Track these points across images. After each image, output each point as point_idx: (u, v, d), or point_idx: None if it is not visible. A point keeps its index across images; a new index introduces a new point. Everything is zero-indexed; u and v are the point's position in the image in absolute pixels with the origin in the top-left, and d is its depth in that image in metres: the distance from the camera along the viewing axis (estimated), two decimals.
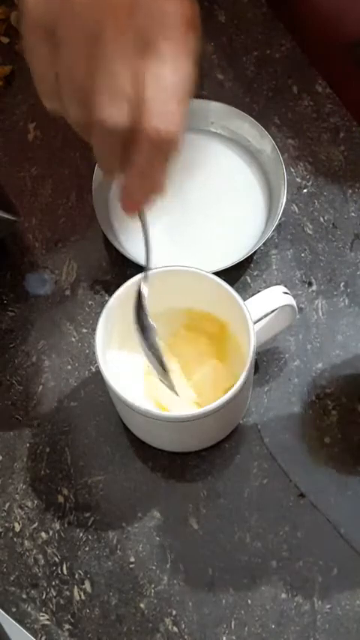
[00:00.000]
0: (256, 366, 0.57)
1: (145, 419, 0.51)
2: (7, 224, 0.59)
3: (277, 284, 0.55)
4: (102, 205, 0.61)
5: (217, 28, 0.70)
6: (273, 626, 0.52)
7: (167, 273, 0.53)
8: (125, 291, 0.52)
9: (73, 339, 0.59)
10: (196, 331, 0.56)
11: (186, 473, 0.55)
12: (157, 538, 0.54)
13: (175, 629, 0.52)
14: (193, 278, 0.53)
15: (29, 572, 0.54)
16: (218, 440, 0.56)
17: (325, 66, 0.65)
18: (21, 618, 0.53)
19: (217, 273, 0.53)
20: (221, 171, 0.64)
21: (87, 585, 0.53)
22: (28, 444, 0.57)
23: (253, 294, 0.53)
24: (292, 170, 0.64)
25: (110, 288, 0.60)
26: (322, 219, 0.62)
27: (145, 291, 0.49)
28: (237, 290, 0.52)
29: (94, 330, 0.51)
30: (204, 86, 0.67)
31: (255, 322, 0.51)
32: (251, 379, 0.52)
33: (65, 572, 0.54)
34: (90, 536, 0.54)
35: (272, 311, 0.53)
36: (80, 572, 0.53)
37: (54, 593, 0.53)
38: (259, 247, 0.59)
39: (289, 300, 0.53)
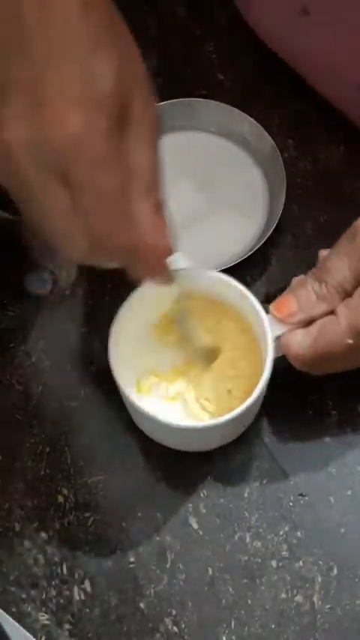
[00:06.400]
0: None
1: (156, 424, 0.51)
2: (7, 224, 0.59)
3: (277, 283, 0.55)
4: None
5: (217, 28, 0.70)
6: (273, 626, 0.52)
7: (191, 276, 0.53)
8: (142, 291, 0.52)
9: (73, 339, 0.59)
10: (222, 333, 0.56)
11: (186, 473, 0.55)
12: (157, 538, 0.54)
13: (175, 629, 0.52)
14: (219, 283, 0.53)
15: (29, 572, 0.54)
16: (227, 442, 0.56)
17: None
18: (21, 618, 0.53)
19: None
20: (221, 171, 0.64)
21: (87, 585, 0.53)
22: (28, 444, 0.57)
23: (253, 294, 0.53)
24: (292, 170, 0.63)
25: (110, 288, 0.60)
26: (322, 219, 0.62)
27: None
28: None
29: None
30: (204, 86, 0.67)
31: (275, 338, 0.51)
32: (265, 388, 0.52)
33: (65, 572, 0.54)
34: (90, 536, 0.54)
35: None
36: (80, 572, 0.53)
37: (54, 593, 0.53)
38: (259, 247, 0.59)
39: None
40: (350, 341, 0.49)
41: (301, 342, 0.50)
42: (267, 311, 0.52)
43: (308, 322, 0.51)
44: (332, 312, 0.51)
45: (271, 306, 0.52)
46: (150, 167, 0.42)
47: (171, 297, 0.53)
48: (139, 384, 0.54)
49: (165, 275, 0.46)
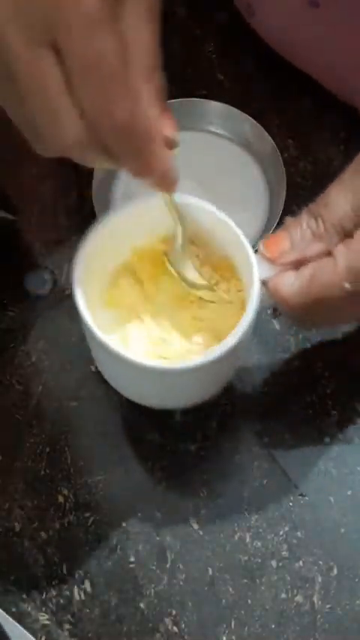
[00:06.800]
0: (256, 366, 0.57)
1: (123, 366, 0.47)
2: (7, 224, 0.59)
3: None
4: (102, 205, 0.61)
5: (217, 28, 0.70)
6: (273, 626, 0.52)
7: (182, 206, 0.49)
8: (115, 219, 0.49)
9: (73, 339, 0.59)
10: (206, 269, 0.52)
11: (186, 473, 0.55)
12: (157, 538, 0.54)
13: (175, 629, 0.52)
14: (208, 217, 0.49)
15: (29, 572, 0.54)
16: (204, 398, 0.53)
17: None
18: (21, 618, 0.53)
19: None
20: (221, 171, 0.64)
21: (87, 585, 0.53)
22: (28, 444, 0.57)
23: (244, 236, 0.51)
24: (292, 170, 0.64)
25: None
26: None
27: None
28: None
29: None
30: (204, 86, 0.67)
31: (263, 280, 0.47)
32: (249, 333, 0.48)
33: (65, 572, 0.54)
34: (90, 536, 0.54)
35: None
36: (80, 572, 0.53)
37: (54, 593, 0.53)
38: None
39: None
40: (348, 285, 0.44)
41: (292, 284, 0.45)
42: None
43: (301, 264, 0.46)
44: (329, 254, 0.45)
45: (261, 244, 0.46)
46: (151, 47, 0.38)
47: (148, 230, 0.50)
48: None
49: (167, 173, 0.40)
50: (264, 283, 0.46)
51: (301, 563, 0.53)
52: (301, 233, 0.45)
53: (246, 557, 0.53)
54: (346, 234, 0.45)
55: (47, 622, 0.53)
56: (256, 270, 0.46)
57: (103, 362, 0.52)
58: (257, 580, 0.53)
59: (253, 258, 0.46)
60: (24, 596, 0.53)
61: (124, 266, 0.53)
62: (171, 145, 0.40)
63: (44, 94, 0.36)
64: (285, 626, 0.52)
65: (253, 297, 0.46)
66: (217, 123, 0.64)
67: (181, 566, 0.53)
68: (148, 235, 0.51)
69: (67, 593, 0.53)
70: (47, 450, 0.56)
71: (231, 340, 0.45)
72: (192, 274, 0.50)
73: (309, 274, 0.45)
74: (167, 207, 0.47)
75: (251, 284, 0.46)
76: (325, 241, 0.45)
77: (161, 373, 0.47)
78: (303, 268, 0.45)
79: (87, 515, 0.55)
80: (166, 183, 0.42)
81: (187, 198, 0.49)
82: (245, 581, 0.53)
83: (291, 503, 0.55)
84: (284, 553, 0.53)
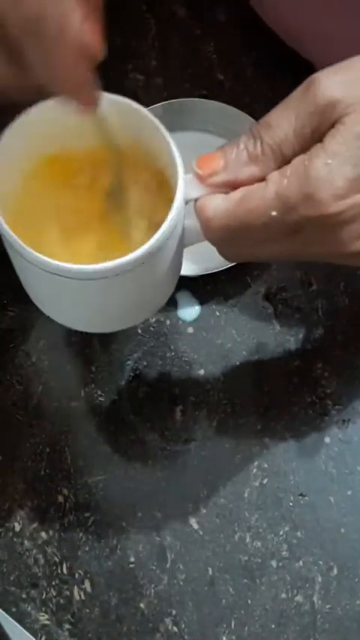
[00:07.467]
0: (256, 366, 0.57)
1: (33, 270, 0.44)
2: None
3: (277, 283, 0.55)
4: None
5: (217, 28, 0.70)
6: (273, 626, 0.52)
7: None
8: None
9: (74, 339, 0.59)
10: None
11: (186, 473, 0.55)
12: (157, 538, 0.54)
13: (175, 629, 0.52)
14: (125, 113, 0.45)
15: (29, 572, 0.54)
16: (126, 322, 0.50)
17: None
18: (21, 618, 0.53)
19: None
20: None
21: (87, 585, 0.53)
22: (28, 444, 0.57)
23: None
24: None
25: None
26: None
27: None
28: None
29: None
30: (204, 86, 0.67)
31: (188, 201, 0.44)
32: (170, 249, 0.45)
33: (65, 572, 0.54)
34: (90, 536, 0.54)
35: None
36: (80, 572, 0.54)
37: (54, 593, 0.53)
38: None
39: None
40: (274, 213, 0.40)
41: (218, 205, 0.42)
42: None
43: (233, 188, 0.43)
44: (263, 180, 0.42)
45: (194, 162, 0.44)
46: None
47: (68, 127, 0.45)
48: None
49: (81, 84, 0.37)
50: (193, 202, 0.43)
51: (301, 563, 0.53)
52: (237, 153, 0.43)
53: (246, 557, 0.53)
54: (284, 161, 0.42)
55: (47, 622, 0.53)
56: (181, 184, 0.43)
57: (20, 270, 0.48)
58: (257, 580, 0.53)
59: (181, 173, 0.43)
60: (24, 596, 0.53)
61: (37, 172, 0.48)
62: (91, 55, 0.37)
63: None
64: (285, 626, 0.52)
65: (174, 210, 0.42)
66: (217, 123, 0.64)
67: (181, 566, 0.53)
68: (61, 142, 0.47)
69: (67, 593, 0.53)
70: (47, 450, 0.56)
71: (141, 249, 0.42)
72: (130, 215, 0.47)
73: (237, 197, 0.42)
74: (95, 131, 0.42)
75: (174, 199, 0.43)
76: (260, 165, 0.42)
77: (69, 273, 0.42)
78: (233, 192, 0.42)
79: (87, 515, 0.55)
80: (81, 97, 0.38)
81: (115, 98, 0.45)
82: (245, 581, 0.53)
83: (291, 503, 0.55)
84: (284, 553, 0.53)
